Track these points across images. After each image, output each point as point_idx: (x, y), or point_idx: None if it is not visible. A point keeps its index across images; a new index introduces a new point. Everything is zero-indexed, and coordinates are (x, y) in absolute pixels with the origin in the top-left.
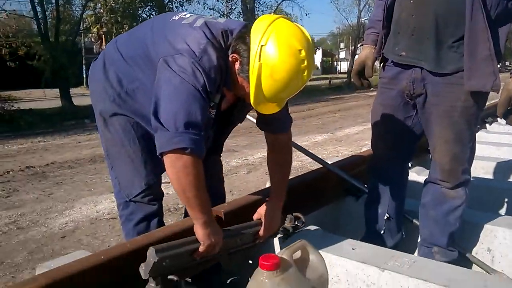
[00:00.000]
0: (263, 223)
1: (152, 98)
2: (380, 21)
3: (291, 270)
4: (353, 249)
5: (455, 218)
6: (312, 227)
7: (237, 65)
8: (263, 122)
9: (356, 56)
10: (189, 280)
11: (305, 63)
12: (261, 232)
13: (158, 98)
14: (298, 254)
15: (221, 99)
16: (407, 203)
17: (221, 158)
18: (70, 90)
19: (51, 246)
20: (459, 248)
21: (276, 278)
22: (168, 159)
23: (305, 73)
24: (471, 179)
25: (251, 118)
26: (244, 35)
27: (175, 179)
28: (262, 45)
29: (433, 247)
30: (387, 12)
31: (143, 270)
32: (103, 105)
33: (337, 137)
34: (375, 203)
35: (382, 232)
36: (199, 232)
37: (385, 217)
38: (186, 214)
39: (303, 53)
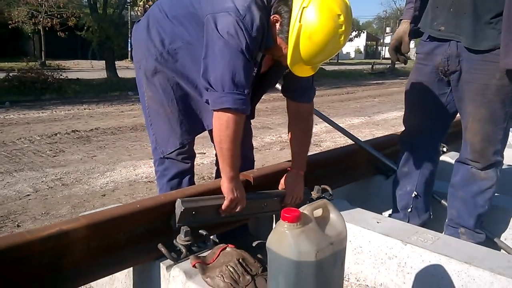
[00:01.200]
0: (286, 193)
1: (203, 56)
2: None
3: (311, 224)
4: (377, 222)
5: (484, 200)
6: (339, 200)
7: (277, 26)
8: (289, 89)
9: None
10: (216, 239)
11: (343, 27)
12: (286, 200)
13: (206, 59)
14: (319, 212)
15: (262, 58)
16: (439, 184)
17: (252, 127)
18: (115, 62)
19: (92, 202)
20: (486, 232)
21: (297, 230)
22: (216, 114)
23: (342, 38)
24: (504, 164)
25: (277, 85)
26: None
27: (217, 130)
28: (303, 7)
29: (459, 227)
30: None
31: (173, 221)
32: (145, 62)
33: (374, 121)
34: (403, 180)
35: (409, 210)
36: (224, 185)
37: (413, 195)
38: (217, 176)
39: (342, 18)
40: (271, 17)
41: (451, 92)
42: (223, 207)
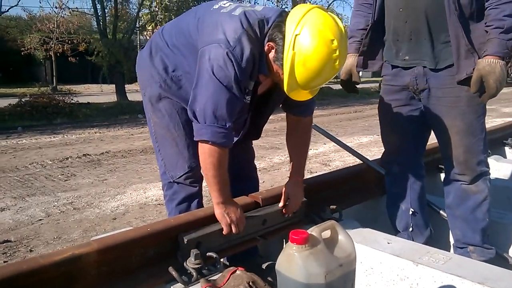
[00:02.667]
0: (290, 198)
1: (193, 87)
2: (361, 30)
3: (319, 246)
4: (388, 243)
5: (483, 213)
6: (348, 220)
7: (272, 53)
8: (290, 105)
9: None
10: (226, 262)
11: (337, 52)
12: (287, 208)
13: (195, 89)
14: (327, 234)
15: (256, 84)
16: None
17: (260, 148)
18: (125, 86)
19: (103, 226)
20: (496, 247)
21: (305, 252)
22: (199, 144)
23: (337, 63)
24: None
25: None
26: (280, 24)
27: (202, 158)
28: (296, 35)
29: (468, 246)
30: (375, 24)
31: (180, 256)
32: (151, 89)
33: None
34: (397, 200)
35: (411, 229)
36: (216, 212)
37: (410, 212)
38: None
39: (335, 43)
40: (266, 44)
41: (423, 108)
42: (223, 232)
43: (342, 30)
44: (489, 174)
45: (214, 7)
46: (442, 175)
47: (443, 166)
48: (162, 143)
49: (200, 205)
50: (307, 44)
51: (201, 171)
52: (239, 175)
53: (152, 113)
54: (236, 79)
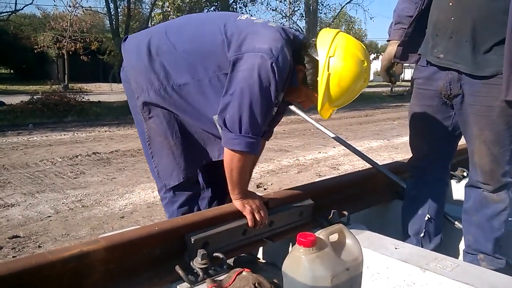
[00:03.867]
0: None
1: (223, 94)
2: (410, 17)
3: (326, 249)
4: (395, 248)
5: (499, 223)
6: (356, 224)
7: (301, 75)
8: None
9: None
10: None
11: (367, 72)
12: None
13: (226, 96)
14: (335, 237)
15: (284, 96)
16: (457, 210)
17: (269, 150)
18: None
19: (111, 224)
20: (507, 257)
21: (312, 254)
22: (227, 151)
23: (365, 82)
24: None
25: (293, 107)
26: (306, 46)
27: (228, 161)
28: (330, 57)
29: (478, 254)
30: (422, 14)
31: (187, 257)
32: (148, 96)
33: (394, 144)
34: (415, 204)
35: (422, 235)
36: (237, 204)
37: (426, 218)
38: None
39: (365, 63)
40: (295, 66)
41: (455, 115)
42: (249, 224)
43: (367, 51)
44: None
45: (241, 18)
46: (453, 182)
47: (455, 173)
48: (157, 150)
49: (199, 206)
50: (342, 65)
51: (225, 170)
52: None
53: (149, 119)
54: (276, 90)
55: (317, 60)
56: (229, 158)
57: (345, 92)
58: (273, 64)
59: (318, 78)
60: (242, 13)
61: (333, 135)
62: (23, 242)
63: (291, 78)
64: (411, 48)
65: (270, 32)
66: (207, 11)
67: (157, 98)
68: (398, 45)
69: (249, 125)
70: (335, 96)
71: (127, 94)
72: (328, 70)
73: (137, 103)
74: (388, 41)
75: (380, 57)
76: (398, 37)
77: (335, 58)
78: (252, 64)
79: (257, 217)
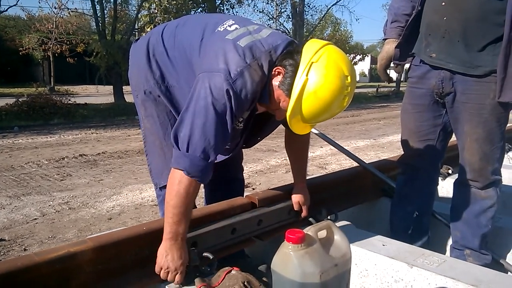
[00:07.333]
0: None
1: (183, 109)
2: (406, 15)
3: (315, 246)
4: (383, 245)
5: (487, 220)
6: (344, 222)
7: (279, 78)
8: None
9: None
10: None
11: (349, 89)
12: (304, 211)
13: (184, 113)
14: (323, 234)
15: (253, 111)
16: (445, 206)
17: (257, 150)
18: (123, 87)
19: (98, 226)
20: (492, 253)
21: (301, 251)
22: (172, 169)
23: (346, 100)
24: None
25: None
26: (292, 52)
27: (168, 185)
28: (312, 62)
29: (465, 249)
30: (418, 15)
31: None
32: (143, 94)
33: (380, 143)
34: (404, 201)
35: (409, 232)
36: (161, 247)
37: (414, 215)
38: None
39: (349, 79)
40: (274, 69)
41: (446, 113)
42: (155, 270)
43: (354, 71)
44: (501, 182)
45: (219, 29)
46: (439, 179)
47: (440, 171)
48: (150, 149)
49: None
50: (323, 73)
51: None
52: (226, 176)
53: (145, 117)
54: (232, 113)
55: (299, 64)
56: (170, 178)
57: (321, 103)
58: (228, 87)
59: (294, 81)
60: (229, 13)
61: (317, 132)
62: (8, 246)
63: (260, 95)
64: (410, 49)
65: (236, 53)
66: (194, 13)
67: (153, 96)
68: (396, 47)
69: (199, 145)
70: (309, 105)
71: (132, 92)
72: (307, 75)
73: (137, 101)
74: (384, 39)
75: (366, 58)
76: (395, 36)
77: (318, 64)
78: (211, 84)
79: (168, 277)
